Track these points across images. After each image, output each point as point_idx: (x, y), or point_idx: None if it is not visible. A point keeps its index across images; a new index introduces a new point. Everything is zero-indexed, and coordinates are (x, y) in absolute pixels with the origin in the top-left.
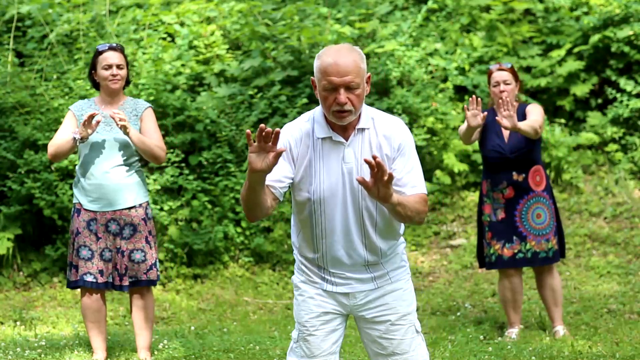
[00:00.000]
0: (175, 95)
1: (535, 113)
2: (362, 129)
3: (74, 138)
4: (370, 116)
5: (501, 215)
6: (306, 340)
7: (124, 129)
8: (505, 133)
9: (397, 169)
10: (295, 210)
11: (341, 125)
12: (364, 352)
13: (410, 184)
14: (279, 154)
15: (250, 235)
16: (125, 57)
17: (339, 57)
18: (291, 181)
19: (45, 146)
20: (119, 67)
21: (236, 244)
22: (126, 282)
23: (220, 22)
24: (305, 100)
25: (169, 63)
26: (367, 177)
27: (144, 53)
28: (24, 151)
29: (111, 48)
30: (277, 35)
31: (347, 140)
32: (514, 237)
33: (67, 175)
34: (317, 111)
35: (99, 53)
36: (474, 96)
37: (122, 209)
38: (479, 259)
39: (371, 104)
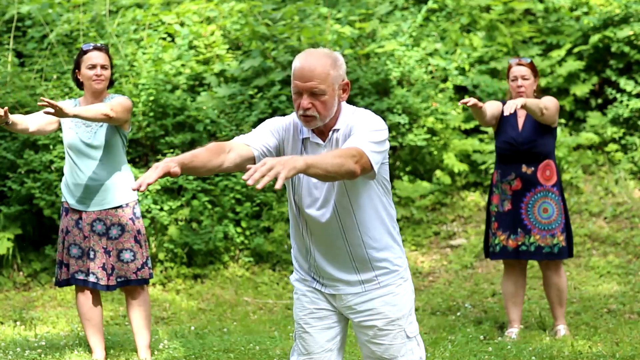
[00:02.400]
0: (175, 95)
1: (547, 99)
2: (338, 130)
3: None
4: (350, 115)
5: (507, 206)
6: (302, 338)
7: (59, 111)
8: (520, 125)
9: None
10: (288, 204)
11: (317, 127)
12: None
13: (350, 142)
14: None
15: (250, 235)
16: (110, 58)
17: (305, 62)
18: (270, 152)
19: (45, 146)
20: (103, 67)
21: (236, 244)
22: (113, 282)
23: (220, 22)
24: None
25: (169, 63)
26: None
27: (144, 53)
28: (24, 151)
29: (96, 48)
30: (277, 35)
31: (324, 142)
32: (519, 229)
33: None
34: None
35: (83, 52)
36: (469, 100)
37: (108, 209)
38: (485, 249)
39: (371, 104)
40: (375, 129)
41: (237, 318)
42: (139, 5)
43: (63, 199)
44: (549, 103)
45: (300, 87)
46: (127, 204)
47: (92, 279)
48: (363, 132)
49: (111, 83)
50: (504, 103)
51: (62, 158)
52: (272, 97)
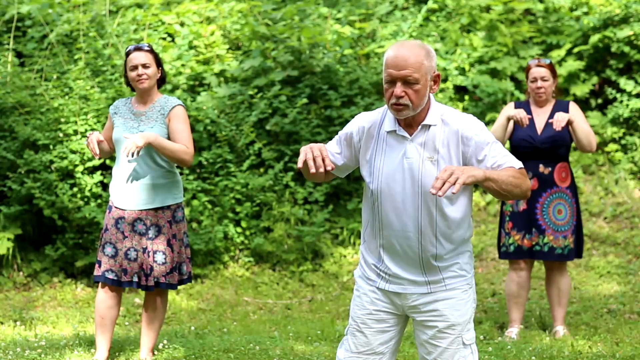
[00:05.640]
0: (175, 95)
1: (588, 129)
2: (428, 126)
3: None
4: (439, 113)
5: (523, 206)
6: (354, 335)
7: (135, 151)
8: (539, 126)
9: (486, 158)
10: (363, 200)
11: (405, 120)
12: None
13: (502, 164)
14: None
15: (250, 235)
16: (154, 55)
17: (399, 52)
18: (340, 162)
19: (45, 146)
20: (144, 66)
21: (236, 244)
22: (151, 283)
23: (220, 22)
24: (305, 100)
25: (169, 63)
26: (427, 174)
27: None
28: (24, 151)
29: (136, 48)
30: (277, 35)
31: (410, 136)
32: (533, 229)
33: (67, 175)
34: None
35: (126, 55)
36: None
37: (148, 209)
38: (498, 250)
39: (371, 104)
40: (491, 135)
41: (237, 318)
42: (139, 5)
43: (110, 197)
44: (591, 134)
45: (394, 75)
46: (168, 207)
47: (125, 278)
48: (496, 147)
49: (163, 80)
50: (517, 105)
51: (62, 158)
52: (272, 97)
